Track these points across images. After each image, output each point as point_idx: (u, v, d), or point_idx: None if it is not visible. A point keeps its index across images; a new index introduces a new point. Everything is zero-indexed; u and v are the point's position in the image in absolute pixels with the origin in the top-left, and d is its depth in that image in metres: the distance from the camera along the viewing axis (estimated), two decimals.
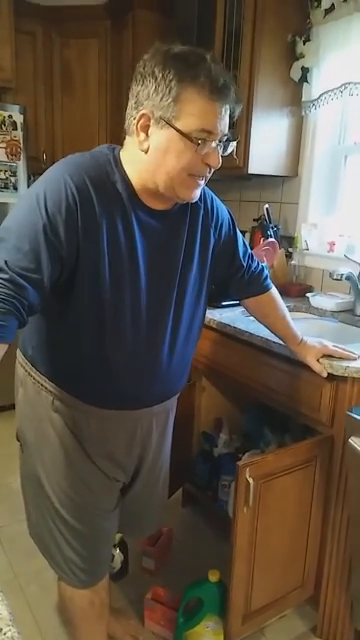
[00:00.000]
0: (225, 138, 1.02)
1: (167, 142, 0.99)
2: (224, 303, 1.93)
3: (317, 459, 1.43)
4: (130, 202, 1.05)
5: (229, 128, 1.03)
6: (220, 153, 1.02)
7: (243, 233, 2.45)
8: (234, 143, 1.06)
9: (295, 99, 2.21)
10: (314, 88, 2.13)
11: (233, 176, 2.51)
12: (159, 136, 0.99)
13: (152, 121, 0.99)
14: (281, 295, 2.11)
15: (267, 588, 1.44)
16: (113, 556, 1.75)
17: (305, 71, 2.13)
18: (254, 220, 2.40)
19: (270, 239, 2.19)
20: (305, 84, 2.16)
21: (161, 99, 0.97)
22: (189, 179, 1.03)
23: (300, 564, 1.50)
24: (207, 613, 1.44)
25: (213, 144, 1.00)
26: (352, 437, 1.28)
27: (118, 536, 1.76)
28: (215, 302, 1.90)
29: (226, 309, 1.91)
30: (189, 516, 2.15)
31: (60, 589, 1.30)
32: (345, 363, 1.37)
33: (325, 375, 1.39)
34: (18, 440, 1.25)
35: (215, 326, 1.82)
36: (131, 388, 1.15)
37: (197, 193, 1.08)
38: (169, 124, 0.97)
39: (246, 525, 1.32)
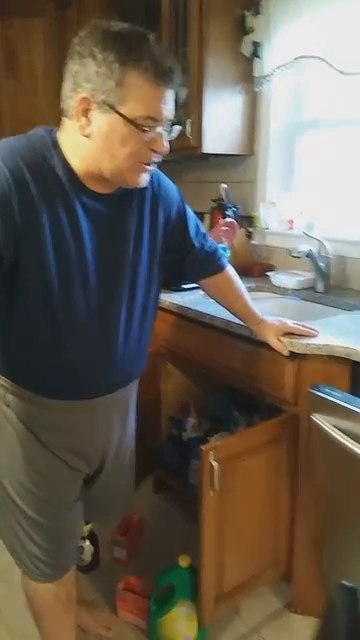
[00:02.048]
0: (170, 123, 1.00)
1: (111, 128, 0.95)
2: (185, 286, 1.89)
3: (283, 438, 1.43)
4: (72, 187, 1.00)
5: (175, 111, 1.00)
6: (166, 138, 1.00)
7: (202, 214, 2.44)
8: (178, 127, 1.03)
9: (247, 75, 2.17)
10: (266, 63, 2.09)
11: (191, 157, 2.46)
12: (101, 121, 0.95)
13: (93, 105, 0.94)
14: (243, 275, 2.11)
15: (238, 569, 1.43)
16: (83, 548, 1.73)
17: (256, 46, 2.09)
18: (213, 201, 2.37)
19: (228, 219, 2.16)
20: (257, 59, 2.12)
21: (103, 82, 0.92)
22: (136, 165, 1.00)
23: (270, 542, 1.50)
24: (180, 598, 1.43)
25: (159, 130, 0.97)
26: (314, 414, 1.28)
27: (87, 528, 1.74)
28: (174, 285, 1.87)
29: (187, 292, 1.88)
30: (161, 502, 2.13)
31: (24, 584, 1.26)
32: (306, 340, 1.35)
33: (286, 353, 1.37)
34: None
35: (176, 310, 1.79)
36: (87, 377, 1.12)
37: (146, 178, 1.05)
38: (113, 109, 0.93)
39: (213, 508, 1.30)
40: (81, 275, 1.03)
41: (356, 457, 1.16)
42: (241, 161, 2.36)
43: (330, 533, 1.43)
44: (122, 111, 0.93)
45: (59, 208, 0.98)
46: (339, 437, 1.20)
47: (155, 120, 0.96)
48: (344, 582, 0.49)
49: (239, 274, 2.12)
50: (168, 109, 0.97)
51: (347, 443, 1.18)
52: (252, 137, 2.27)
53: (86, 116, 0.95)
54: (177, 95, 0.99)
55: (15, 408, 1.11)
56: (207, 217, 2.40)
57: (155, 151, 0.99)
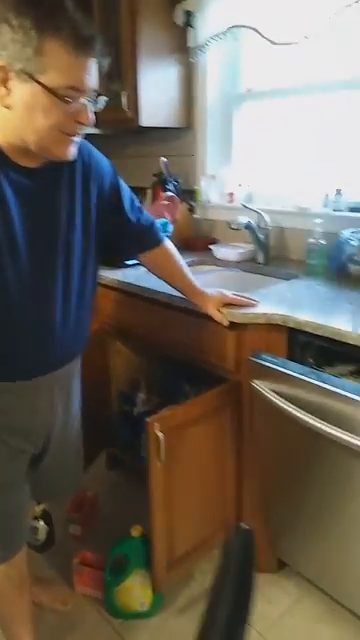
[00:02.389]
0: (95, 94, 0.98)
1: (32, 98, 0.92)
2: (128, 263, 1.88)
3: (227, 406, 1.47)
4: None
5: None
6: (91, 110, 0.98)
7: (144, 189, 2.42)
8: (104, 98, 1.02)
9: (182, 45, 2.14)
10: (199, 33, 2.06)
11: (129, 130, 2.42)
12: (22, 91, 0.92)
13: (11, 74, 0.91)
14: (186, 250, 2.14)
15: (189, 535, 1.48)
16: (37, 528, 1.74)
17: (189, 15, 2.06)
18: (154, 175, 2.35)
19: (169, 193, 2.15)
20: (190, 29, 2.09)
21: (20, 50, 0.89)
22: (62, 136, 0.98)
23: (220, 507, 1.55)
24: (134, 568, 1.47)
25: (83, 101, 0.96)
26: (254, 380, 1.32)
27: (40, 508, 1.74)
28: (115, 263, 1.85)
29: (130, 268, 1.86)
30: (115, 478, 2.16)
31: None
32: (244, 310, 1.39)
33: (226, 324, 1.40)
34: None
35: (120, 286, 1.78)
36: (26, 357, 1.11)
37: (72, 151, 1.03)
38: (32, 78, 0.90)
39: (160, 478, 1.33)
40: (11, 253, 1.01)
41: (293, 419, 1.21)
42: (180, 134, 2.35)
43: (275, 494, 1.50)
44: (42, 80, 0.90)
45: None
46: (278, 401, 1.25)
47: (78, 90, 0.94)
48: (241, 524, 0.53)
49: (182, 248, 2.14)
50: (91, 79, 0.95)
51: (285, 406, 1.23)
52: (189, 109, 2.25)
53: (5, 86, 0.92)
54: (100, 65, 0.97)
55: None
56: (149, 192, 2.38)
57: (80, 123, 0.97)
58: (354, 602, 1.40)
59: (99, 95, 1.00)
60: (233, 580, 0.46)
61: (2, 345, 1.07)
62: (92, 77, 0.95)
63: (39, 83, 0.90)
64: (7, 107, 0.94)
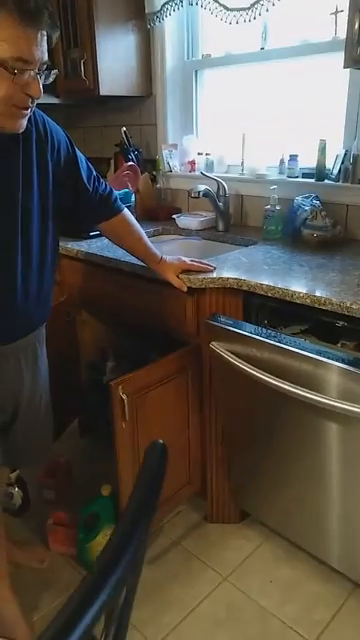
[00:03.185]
0: (45, 67, 0.99)
1: None
2: (91, 234, 1.91)
3: (188, 368, 1.53)
4: None
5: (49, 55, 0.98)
6: (41, 82, 0.99)
7: (107, 160, 2.41)
8: (55, 71, 1.03)
9: (139, 12, 2.12)
10: None
11: (89, 100, 2.40)
12: None
13: None
14: (150, 219, 2.17)
15: None
16: (12, 494, 1.79)
17: None
18: (116, 145, 2.35)
19: (130, 163, 2.16)
20: None
21: None
22: (12, 109, 0.99)
23: (185, 464, 1.64)
24: (105, 524, 1.55)
25: (32, 73, 0.96)
26: (212, 342, 1.38)
27: (14, 474, 1.80)
28: (79, 233, 1.88)
29: (94, 240, 1.89)
30: (87, 445, 2.22)
31: None
32: (202, 275, 1.44)
33: (185, 289, 1.45)
34: None
35: (84, 257, 1.81)
36: None
37: (23, 123, 1.04)
38: None
39: (126, 438, 1.40)
40: None
41: (250, 377, 1.28)
42: (140, 103, 2.34)
43: (237, 449, 1.58)
44: None
45: None
46: (234, 361, 1.32)
47: (26, 62, 0.94)
48: (158, 439, 0.60)
49: (146, 218, 2.18)
50: (40, 51, 0.95)
51: (241, 365, 1.30)
52: (149, 77, 2.25)
53: None
54: (49, 37, 0.97)
55: None
56: (112, 162, 2.39)
57: (29, 95, 0.98)
58: (309, 543, 1.52)
59: (50, 68, 1.01)
60: (148, 480, 0.54)
61: None
62: (41, 49, 0.96)
63: None
64: None
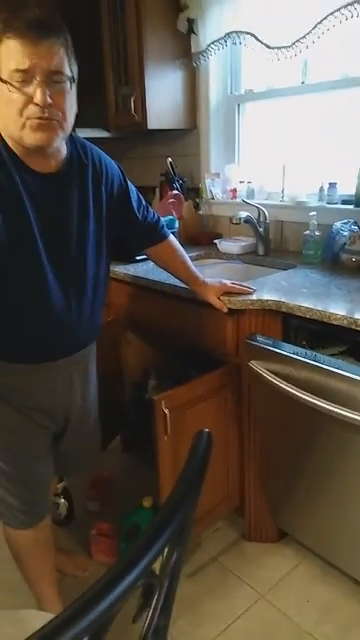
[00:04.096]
0: (61, 77, 1.04)
1: (1, 95, 1.03)
2: (138, 258, 2.02)
3: (227, 385, 1.60)
4: (14, 167, 1.10)
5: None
6: (49, 92, 1.02)
7: (153, 188, 2.55)
8: (67, 85, 1.05)
9: (185, 51, 2.26)
10: (201, 39, 2.18)
11: (137, 133, 2.55)
12: None
13: None
14: (192, 244, 2.27)
15: None
16: (58, 504, 1.89)
17: (191, 22, 2.18)
18: (161, 175, 2.48)
19: (175, 192, 2.28)
20: (193, 35, 2.21)
21: None
22: (29, 122, 1.04)
23: (224, 479, 1.68)
24: None
25: (35, 82, 1.01)
26: (251, 361, 1.44)
27: (61, 485, 1.89)
28: (126, 258, 1.99)
29: (140, 263, 2.00)
30: (129, 460, 2.30)
31: (5, 534, 1.41)
32: (242, 297, 1.51)
33: (225, 310, 1.53)
34: None
35: (131, 280, 1.91)
36: (45, 342, 1.24)
37: (46, 137, 1.06)
38: None
39: (168, 451, 1.47)
40: (30, 250, 1.14)
41: (288, 395, 1.33)
42: (185, 135, 2.47)
43: (275, 467, 1.62)
44: (1, 76, 1.01)
45: (4, 188, 1.09)
46: (272, 379, 1.37)
47: (22, 71, 0.99)
48: (204, 429, 0.66)
49: (189, 243, 2.28)
50: (40, 60, 0.99)
51: (279, 384, 1.35)
52: (194, 111, 2.38)
53: None
54: (52, 45, 1.00)
55: None
56: (157, 191, 2.51)
57: (37, 104, 1.02)
58: (347, 564, 1.52)
59: (71, 80, 1.06)
60: (195, 464, 0.61)
61: (25, 333, 1.20)
62: (43, 58, 0.99)
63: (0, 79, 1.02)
64: None
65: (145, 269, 1.93)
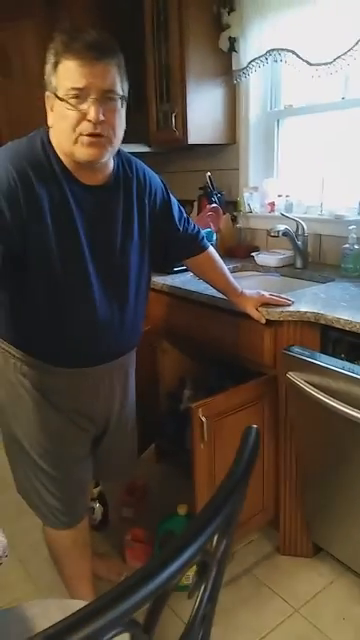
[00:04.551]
0: (114, 95, 1.10)
1: (56, 111, 1.12)
2: (175, 269, 2.06)
3: (264, 396, 1.61)
4: (65, 179, 1.17)
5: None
6: (102, 110, 1.08)
7: (191, 202, 2.60)
8: (118, 103, 1.12)
9: (226, 68, 2.31)
10: (242, 57, 2.23)
11: (177, 148, 2.61)
12: (55, 109, 1.12)
13: (50, 98, 1.12)
14: (230, 257, 2.30)
15: None
16: (94, 509, 1.92)
17: (232, 41, 2.23)
18: (200, 189, 2.52)
19: (213, 205, 2.32)
20: (234, 53, 2.26)
21: (48, 76, 1.11)
22: (81, 138, 1.10)
23: (259, 491, 1.68)
24: None
25: (89, 100, 1.07)
26: (289, 372, 1.45)
27: (97, 490, 1.93)
28: (165, 268, 2.03)
29: (178, 274, 2.04)
30: (163, 469, 2.32)
31: (45, 534, 1.45)
32: (280, 309, 1.52)
33: (264, 321, 1.54)
34: None
35: (168, 290, 1.95)
36: (89, 348, 1.29)
37: (96, 153, 1.12)
38: (54, 94, 1.10)
39: (204, 459, 1.48)
40: (78, 257, 1.20)
41: (326, 407, 1.33)
42: (224, 150, 2.52)
43: (311, 480, 1.61)
44: (58, 94, 1.09)
45: (55, 198, 1.15)
46: (311, 390, 1.37)
47: (78, 89, 1.06)
48: (252, 425, 0.68)
49: (226, 256, 2.31)
50: (97, 80, 1.06)
51: (318, 395, 1.35)
52: (233, 127, 2.42)
53: (52, 110, 1.14)
54: (107, 65, 1.07)
55: (30, 378, 1.28)
56: (195, 204, 2.56)
57: (89, 120, 1.08)
58: None
59: (123, 99, 1.13)
60: (244, 460, 0.64)
61: (70, 338, 1.25)
62: (98, 77, 1.06)
63: (56, 96, 1.10)
64: (51, 126, 1.15)
65: (182, 280, 1.97)
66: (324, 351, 1.48)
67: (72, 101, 1.08)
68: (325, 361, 1.37)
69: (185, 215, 1.49)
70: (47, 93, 1.13)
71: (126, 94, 1.15)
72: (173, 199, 1.44)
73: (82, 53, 1.05)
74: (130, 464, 1.64)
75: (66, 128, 1.10)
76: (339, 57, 1.87)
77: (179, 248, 1.49)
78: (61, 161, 1.16)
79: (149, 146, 2.49)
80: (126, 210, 1.28)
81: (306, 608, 1.56)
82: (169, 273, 2.05)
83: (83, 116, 1.09)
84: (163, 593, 0.49)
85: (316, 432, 1.50)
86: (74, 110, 1.08)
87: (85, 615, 0.43)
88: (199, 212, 2.44)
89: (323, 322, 1.44)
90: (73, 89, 1.07)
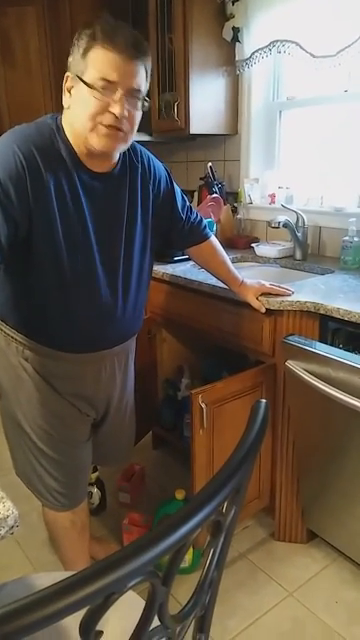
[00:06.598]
0: (139, 94, 1.14)
1: (78, 94, 1.12)
2: (176, 258, 2.07)
3: (263, 385, 1.63)
4: (74, 166, 1.17)
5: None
6: (127, 106, 1.11)
7: (192, 192, 2.61)
8: (147, 102, 1.17)
9: (229, 59, 2.32)
10: (246, 47, 2.23)
11: (178, 138, 2.61)
12: (75, 92, 1.13)
13: (72, 80, 1.13)
14: (229, 247, 2.31)
15: None
16: (92, 493, 1.94)
17: (236, 31, 2.23)
18: (201, 179, 2.53)
19: (214, 195, 2.33)
20: (237, 44, 2.26)
21: (74, 58, 1.11)
22: (99, 128, 1.12)
23: (255, 478, 1.71)
24: None
25: (117, 94, 1.09)
26: (288, 360, 1.47)
27: (95, 475, 1.95)
28: (166, 256, 2.04)
29: (178, 263, 2.05)
30: (159, 456, 2.35)
31: (45, 515, 1.48)
32: (280, 298, 1.54)
33: (263, 311, 1.56)
34: None
35: (169, 279, 1.97)
36: (91, 333, 1.30)
37: (111, 145, 1.15)
38: (79, 78, 1.10)
39: (203, 445, 1.51)
40: (84, 243, 1.21)
41: (324, 395, 1.36)
42: (226, 140, 2.52)
43: (307, 467, 1.64)
44: (84, 78, 1.10)
45: (64, 186, 1.16)
46: (309, 378, 1.40)
47: (108, 82, 1.08)
48: (261, 399, 0.70)
49: (226, 246, 2.32)
50: (127, 76, 1.09)
51: (316, 383, 1.38)
52: (235, 117, 2.43)
53: (69, 91, 1.15)
54: (138, 66, 1.11)
55: (32, 361, 1.29)
56: (196, 194, 2.57)
57: (111, 113, 1.10)
58: None
59: (145, 100, 1.16)
60: (254, 431, 0.67)
61: (74, 322, 1.27)
62: (130, 75, 1.09)
63: (81, 80, 1.10)
64: (67, 108, 1.16)
65: (183, 269, 1.98)
66: (323, 340, 1.50)
67: (99, 90, 1.09)
68: (323, 350, 1.39)
69: (188, 204, 1.50)
70: (68, 74, 1.13)
71: (146, 93, 1.18)
72: (177, 187, 1.45)
73: (121, 48, 1.07)
74: (128, 450, 1.66)
75: (85, 113, 1.11)
76: (343, 50, 1.88)
77: (182, 236, 1.50)
78: (70, 147, 1.16)
79: (150, 135, 2.49)
80: (131, 197, 1.29)
81: (300, 592, 1.60)
82: (169, 262, 2.06)
83: (106, 107, 1.10)
84: (182, 546, 0.54)
85: (313, 420, 1.53)
86: (99, 100, 1.10)
87: (112, 562, 0.47)
88: (199, 202, 2.45)
89: (323, 312, 1.46)
90: (103, 79, 1.08)
